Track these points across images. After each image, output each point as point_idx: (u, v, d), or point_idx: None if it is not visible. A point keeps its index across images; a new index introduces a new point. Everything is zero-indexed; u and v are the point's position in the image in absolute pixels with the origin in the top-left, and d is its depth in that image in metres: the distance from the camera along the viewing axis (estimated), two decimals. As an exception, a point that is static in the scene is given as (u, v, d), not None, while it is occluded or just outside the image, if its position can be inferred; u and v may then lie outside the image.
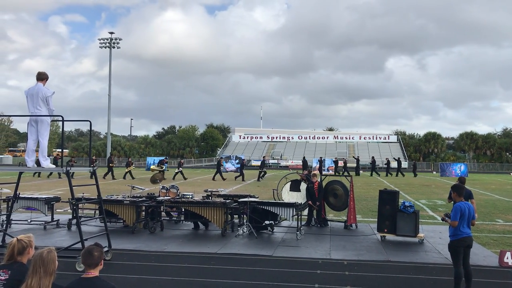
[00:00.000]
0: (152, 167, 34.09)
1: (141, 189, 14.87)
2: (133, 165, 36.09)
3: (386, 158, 43.31)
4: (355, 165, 42.25)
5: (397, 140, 74.07)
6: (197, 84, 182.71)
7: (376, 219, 11.44)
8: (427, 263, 8.78)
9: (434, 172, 50.26)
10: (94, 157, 38.79)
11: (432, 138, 75.46)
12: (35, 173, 32.11)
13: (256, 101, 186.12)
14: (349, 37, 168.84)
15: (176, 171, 33.64)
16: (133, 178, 32.09)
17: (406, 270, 8.24)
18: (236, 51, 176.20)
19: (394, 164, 42.01)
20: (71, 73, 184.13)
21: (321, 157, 45.78)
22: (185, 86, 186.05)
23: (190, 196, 12.86)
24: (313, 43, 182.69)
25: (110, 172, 32.42)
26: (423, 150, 74.55)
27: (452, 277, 6.71)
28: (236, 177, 33.35)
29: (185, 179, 31.95)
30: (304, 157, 43.01)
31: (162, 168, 32.41)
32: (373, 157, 44.35)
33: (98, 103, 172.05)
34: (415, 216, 10.64)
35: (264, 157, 38.25)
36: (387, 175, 39.38)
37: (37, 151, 8.73)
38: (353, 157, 48.37)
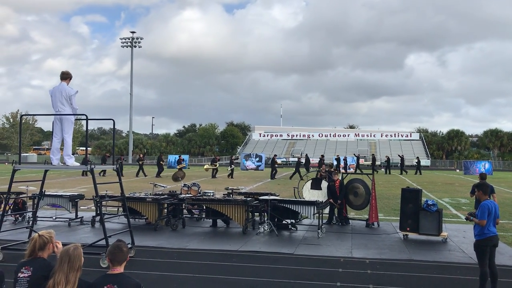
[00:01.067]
0: (205, 166, 34.38)
1: (163, 186, 15.00)
2: (183, 162, 36.21)
3: (386, 156, 43.08)
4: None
5: (420, 138, 73.03)
6: (216, 82, 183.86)
7: (399, 218, 11.33)
8: (451, 262, 8.65)
9: (458, 170, 49.47)
10: (141, 155, 38.47)
11: (456, 135, 74.14)
12: (84, 173, 31.92)
13: (274, 99, 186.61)
14: (367, 34, 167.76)
15: (228, 169, 33.56)
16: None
17: (430, 269, 8.13)
18: (254, 49, 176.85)
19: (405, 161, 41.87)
20: (92, 73, 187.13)
21: (322, 155, 45.21)
22: (204, 85, 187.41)
23: (211, 194, 12.94)
24: (331, 41, 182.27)
25: (159, 170, 32.85)
26: (446, 148, 73.37)
27: (477, 277, 6.60)
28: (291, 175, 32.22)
29: (228, 176, 32.13)
30: (306, 155, 41.18)
31: (216, 166, 32.47)
32: (373, 155, 44.13)
33: (119, 102, 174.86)
34: (438, 214, 10.50)
35: (322, 155, 37.57)
36: (386, 173, 38.99)
37: (61, 149, 8.89)
38: (354, 154, 48.08)
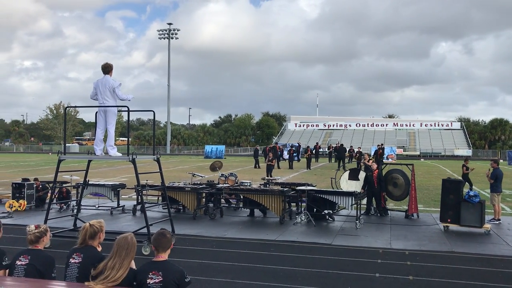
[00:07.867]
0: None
1: (201, 176, 15.22)
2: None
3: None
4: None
5: (461, 127, 70.91)
6: (243, 73, 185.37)
7: (439, 209, 11.12)
8: (494, 255, 8.44)
9: (502, 161, 47.81)
10: (278, 147, 37.29)
11: (499, 124, 71.60)
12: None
13: (303, 89, 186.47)
14: (389, 23, 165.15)
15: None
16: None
17: (472, 261, 7.96)
18: (278, 40, 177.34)
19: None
20: (124, 65, 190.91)
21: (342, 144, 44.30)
22: (231, 76, 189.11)
23: (248, 184, 13.04)
24: (354, 30, 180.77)
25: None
26: (488, 138, 71.03)
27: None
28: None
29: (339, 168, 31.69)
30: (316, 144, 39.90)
31: None
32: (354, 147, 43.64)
33: (152, 93, 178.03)
34: (480, 206, 10.24)
35: (381, 144, 36.95)
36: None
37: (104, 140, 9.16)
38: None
